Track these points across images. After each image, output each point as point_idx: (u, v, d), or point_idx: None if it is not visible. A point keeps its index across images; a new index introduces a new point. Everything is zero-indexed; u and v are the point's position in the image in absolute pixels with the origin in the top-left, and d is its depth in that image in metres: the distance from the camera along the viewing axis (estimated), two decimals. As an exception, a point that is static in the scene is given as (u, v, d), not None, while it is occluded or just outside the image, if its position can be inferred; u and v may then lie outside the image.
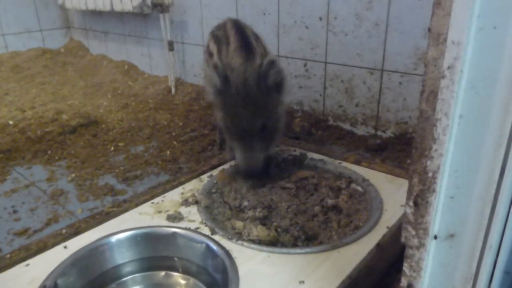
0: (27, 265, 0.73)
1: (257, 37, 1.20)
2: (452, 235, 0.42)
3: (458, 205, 0.41)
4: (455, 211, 0.41)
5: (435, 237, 0.43)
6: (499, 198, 0.38)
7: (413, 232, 0.44)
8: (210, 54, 1.21)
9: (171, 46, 2.03)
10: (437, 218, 0.42)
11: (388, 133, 1.43)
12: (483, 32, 0.35)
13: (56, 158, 1.42)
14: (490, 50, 0.35)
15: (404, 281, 0.48)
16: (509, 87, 0.35)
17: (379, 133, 1.45)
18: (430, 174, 0.40)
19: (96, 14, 2.58)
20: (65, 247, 0.78)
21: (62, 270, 0.71)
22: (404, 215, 0.45)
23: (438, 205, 0.41)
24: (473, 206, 0.40)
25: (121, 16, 2.39)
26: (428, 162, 0.40)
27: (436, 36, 0.39)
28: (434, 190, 0.40)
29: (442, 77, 0.36)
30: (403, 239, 0.47)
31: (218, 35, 1.20)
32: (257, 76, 0.95)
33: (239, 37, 1.12)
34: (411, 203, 0.44)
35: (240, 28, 1.17)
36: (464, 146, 0.39)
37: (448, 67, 0.36)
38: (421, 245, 0.43)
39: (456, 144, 0.39)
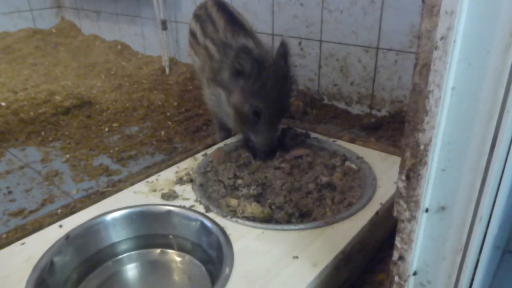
0: (23, 243, 0.73)
1: (238, 13, 1.20)
2: (443, 208, 0.43)
3: (449, 178, 0.41)
4: (446, 184, 0.42)
5: (426, 210, 0.43)
6: (489, 170, 0.38)
7: (405, 206, 0.44)
8: (192, 34, 1.20)
9: (164, 25, 2.00)
10: (429, 191, 0.42)
11: (383, 112, 1.43)
12: (476, 1, 0.34)
13: (50, 139, 1.41)
14: (483, 20, 0.35)
15: (396, 254, 0.49)
16: (501, 58, 0.35)
17: (374, 112, 1.45)
18: (422, 147, 0.40)
19: (87, -7, 2.53)
20: (60, 226, 0.78)
21: (58, 248, 0.71)
22: (397, 189, 0.46)
23: (429, 178, 0.41)
24: (464, 178, 0.40)
25: (113, -6, 2.34)
26: (420, 135, 0.40)
27: (430, 8, 0.38)
28: (425, 163, 0.40)
29: (435, 48, 0.36)
30: (395, 213, 0.47)
31: (200, 14, 1.19)
32: (283, 56, 1.00)
33: (223, 13, 1.12)
34: (403, 177, 0.44)
35: (222, 5, 1.16)
36: (456, 118, 0.39)
37: (441, 38, 0.35)
38: (412, 218, 0.44)
39: (448, 116, 0.39)
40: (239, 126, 1.02)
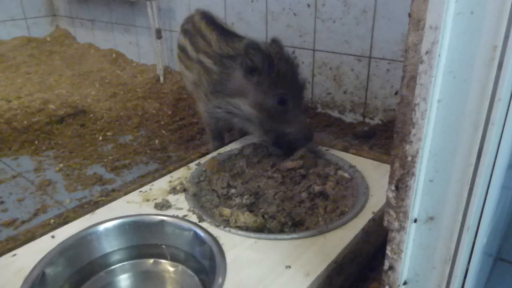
0: (14, 255, 0.73)
1: (227, 25, 1.22)
2: (431, 218, 0.43)
3: (437, 188, 0.42)
4: (434, 194, 0.42)
5: (415, 221, 0.44)
6: (476, 180, 0.39)
7: (394, 216, 0.45)
8: (182, 49, 1.20)
9: (159, 34, 2.01)
10: (417, 202, 0.43)
11: (376, 120, 1.44)
12: (460, 17, 0.35)
13: (44, 148, 1.41)
14: (467, 35, 0.35)
15: (386, 264, 0.49)
16: (485, 72, 0.36)
17: (367, 120, 1.46)
18: (409, 158, 0.41)
19: (82, 1, 2.54)
20: (52, 236, 0.77)
21: (50, 259, 0.71)
22: (386, 199, 0.46)
23: (417, 188, 0.42)
24: (452, 189, 0.41)
25: (108, 3, 2.35)
26: (408, 147, 0.40)
27: (416, 22, 0.39)
28: (413, 174, 0.41)
29: (421, 62, 0.37)
30: (385, 223, 0.48)
31: (188, 29, 1.20)
32: (280, 47, 1.03)
33: (213, 27, 1.13)
34: (392, 188, 0.45)
35: (211, 19, 1.18)
36: (442, 130, 0.39)
37: (426, 52, 0.36)
38: (401, 228, 0.44)
39: (435, 128, 0.40)
40: (267, 125, 1.01)
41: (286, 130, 1.00)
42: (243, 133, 1.23)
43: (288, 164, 0.98)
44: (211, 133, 1.20)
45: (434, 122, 0.39)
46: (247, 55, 0.96)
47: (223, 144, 1.19)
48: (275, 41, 1.06)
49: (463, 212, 0.41)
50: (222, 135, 1.22)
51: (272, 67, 0.96)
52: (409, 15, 0.40)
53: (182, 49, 1.21)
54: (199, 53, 1.11)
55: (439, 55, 0.36)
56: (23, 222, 1.02)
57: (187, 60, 1.17)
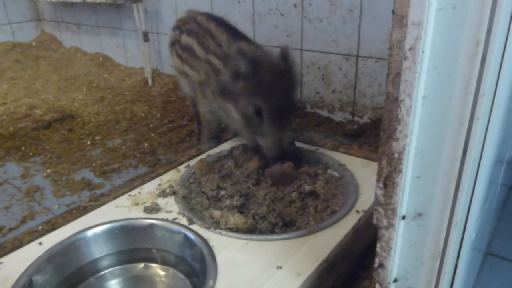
0: (0, 263, 0.71)
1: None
2: (419, 214, 0.43)
3: (424, 185, 0.42)
4: (422, 191, 0.42)
5: (403, 217, 0.44)
6: (463, 175, 0.39)
7: (383, 213, 0.45)
8: (187, 49, 1.19)
9: (146, 36, 1.99)
10: (405, 198, 0.43)
11: (365, 119, 1.44)
12: (443, 12, 0.35)
13: (31, 154, 1.39)
14: (450, 30, 0.35)
15: (376, 261, 0.49)
16: (469, 67, 0.36)
17: (356, 118, 1.47)
18: (396, 155, 0.41)
19: (68, 5, 2.51)
20: (40, 243, 0.76)
21: (37, 266, 0.69)
22: (375, 197, 0.46)
23: (405, 185, 0.42)
24: (439, 185, 0.41)
25: (94, 7, 2.33)
26: (394, 144, 0.40)
27: (400, 18, 0.39)
28: (400, 171, 0.41)
29: (405, 58, 0.37)
30: (374, 221, 0.47)
31: (193, 29, 1.19)
32: (284, 58, 1.00)
33: (224, 28, 1.12)
34: (381, 185, 0.45)
35: (219, 20, 1.17)
36: (428, 126, 0.39)
37: (410, 48, 0.36)
38: (390, 225, 0.44)
39: (421, 124, 0.40)
40: (250, 133, 1.00)
41: (259, 142, 0.98)
42: (236, 134, 1.23)
43: (275, 169, 0.97)
44: (210, 133, 1.20)
45: (419, 118, 0.39)
46: (232, 60, 0.95)
47: (218, 145, 1.18)
48: (283, 51, 1.02)
49: (450, 207, 0.41)
50: (219, 135, 1.22)
51: (256, 76, 0.93)
52: (393, 12, 0.40)
53: (186, 49, 1.19)
54: (209, 54, 1.09)
55: (422, 51, 0.36)
56: (10, 229, 1.01)
57: (193, 60, 1.16)
